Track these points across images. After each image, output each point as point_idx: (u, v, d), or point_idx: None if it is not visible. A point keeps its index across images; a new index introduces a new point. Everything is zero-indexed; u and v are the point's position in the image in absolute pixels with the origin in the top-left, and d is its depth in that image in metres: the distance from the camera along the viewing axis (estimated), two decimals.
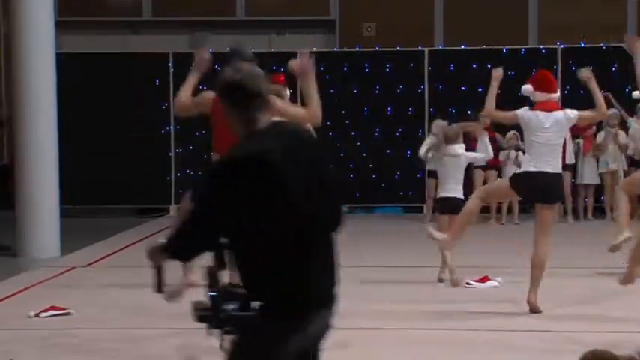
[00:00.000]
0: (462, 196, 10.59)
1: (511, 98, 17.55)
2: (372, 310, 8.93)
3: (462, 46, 18.20)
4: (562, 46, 17.82)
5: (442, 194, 10.80)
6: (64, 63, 18.61)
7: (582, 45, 17.85)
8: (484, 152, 11.06)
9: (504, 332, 8.05)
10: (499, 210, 16.58)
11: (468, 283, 10.29)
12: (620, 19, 19.41)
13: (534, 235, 8.79)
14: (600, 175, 16.74)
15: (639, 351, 2.71)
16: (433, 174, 16.67)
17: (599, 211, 16.93)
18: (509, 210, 16.53)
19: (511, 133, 16.36)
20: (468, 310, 8.94)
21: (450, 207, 10.45)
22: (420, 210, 18.04)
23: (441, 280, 10.51)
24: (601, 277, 10.60)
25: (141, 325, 8.28)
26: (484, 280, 10.38)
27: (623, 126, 16.53)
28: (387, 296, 9.70)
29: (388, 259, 12.29)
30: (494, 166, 15.92)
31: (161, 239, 4.12)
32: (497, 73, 9.15)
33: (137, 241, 14.38)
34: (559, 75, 17.57)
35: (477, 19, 19.48)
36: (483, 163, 13.63)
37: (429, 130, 17.18)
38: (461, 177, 10.79)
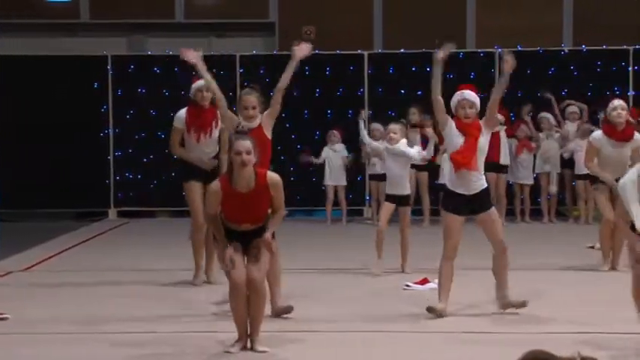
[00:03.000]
0: (409, 192, 11.21)
1: (450, 101, 17.77)
2: (314, 313, 8.92)
3: (402, 50, 18.30)
4: (500, 50, 17.99)
5: (390, 191, 11.19)
6: (0, 65, 18.44)
7: (519, 49, 18.02)
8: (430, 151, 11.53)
9: (449, 334, 8.09)
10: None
11: (407, 286, 10.33)
12: (556, 23, 19.65)
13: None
14: (537, 176, 16.93)
15: (579, 352, 2.75)
16: (374, 177, 16.79)
17: (537, 213, 17.10)
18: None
19: None
20: (418, 312, 8.97)
21: (399, 202, 11.11)
22: (360, 213, 18.10)
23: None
24: (540, 277, 10.75)
25: (79, 330, 8.21)
26: (423, 282, 10.42)
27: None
28: (327, 298, 9.70)
29: (326, 261, 12.29)
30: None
31: None
32: (441, 55, 9.01)
33: (75, 245, 14.26)
34: (496, 78, 17.73)
35: (416, 22, 19.59)
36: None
37: (369, 133, 17.25)
38: (406, 173, 11.18)
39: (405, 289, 10.26)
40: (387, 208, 11.23)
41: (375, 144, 11.68)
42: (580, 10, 19.55)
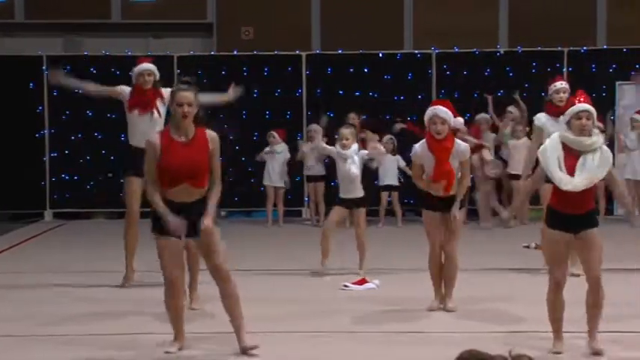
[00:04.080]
0: (362, 194, 11.25)
1: (389, 103, 17.90)
2: (253, 314, 8.93)
3: (340, 51, 18.35)
4: (436, 51, 18.13)
5: (344, 195, 11.24)
6: None
7: (456, 50, 18.18)
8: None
9: (399, 334, 8.13)
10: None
11: (345, 286, 10.37)
12: (492, 25, 19.83)
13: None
14: (474, 178, 17.06)
15: (510, 350, 2.79)
16: (311, 178, 16.83)
17: (473, 213, 17.23)
18: (393, 213, 16.69)
19: (387, 138, 16.55)
20: (358, 312, 9.00)
21: (353, 205, 11.19)
22: (299, 214, 18.11)
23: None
24: (496, 276, 10.87)
25: (15, 332, 8.12)
26: (362, 282, 10.46)
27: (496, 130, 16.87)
28: (269, 299, 9.70)
29: (266, 262, 12.29)
30: None
31: None
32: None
33: (11, 247, 14.09)
34: (434, 79, 17.87)
35: (354, 23, 19.65)
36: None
37: (307, 134, 17.29)
38: (359, 177, 11.20)
39: (342, 289, 10.29)
40: (339, 211, 11.24)
41: (329, 148, 11.62)
42: (515, 12, 19.76)
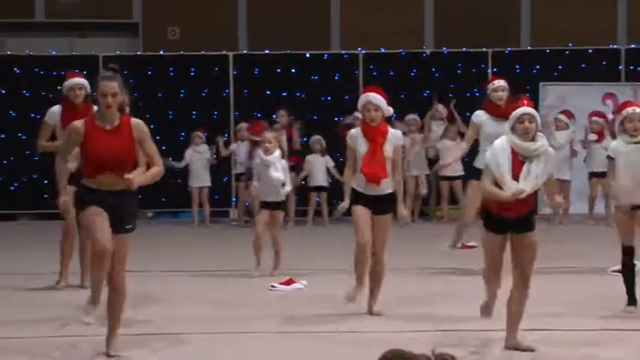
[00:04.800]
0: (283, 198, 11.26)
1: (316, 103, 17.94)
2: (181, 315, 8.88)
3: (267, 51, 18.34)
4: (363, 52, 18.20)
5: (265, 199, 11.20)
6: None
7: (382, 51, 18.27)
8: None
9: (327, 334, 8.14)
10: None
11: (272, 286, 10.36)
12: (418, 26, 19.97)
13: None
14: (405, 178, 17.14)
15: (433, 349, 2.81)
16: (240, 177, 16.77)
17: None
18: (319, 213, 16.72)
19: (314, 138, 16.60)
20: (286, 312, 8.99)
21: (273, 208, 11.11)
22: (226, 214, 18.06)
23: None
24: (423, 276, 10.94)
25: None
26: (289, 282, 10.47)
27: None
28: (196, 300, 9.67)
29: (193, 263, 12.24)
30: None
31: None
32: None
33: None
34: (360, 80, 17.94)
35: (281, 23, 19.65)
36: None
37: (235, 135, 17.25)
38: (280, 181, 11.13)
39: (270, 289, 10.29)
40: (263, 217, 11.16)
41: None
42: (441, 13, 19.92)
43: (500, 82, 10.70)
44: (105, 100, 7.04)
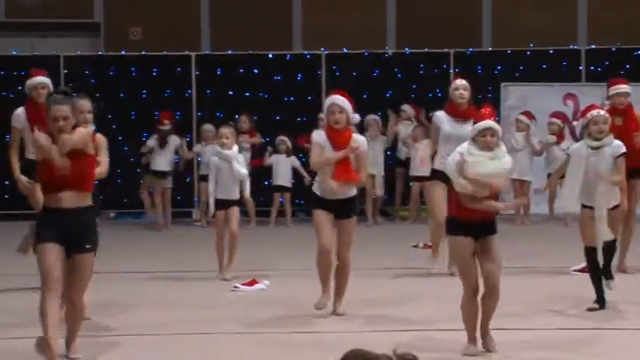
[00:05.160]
0: (238, 196, 11.11)
1: (279, 103, 17.93)
2: (136, 318, 8.86)
3: (229, 51, 18.31)
4: (326, 52, 18.22)
5: (221, 196, 11.06)
6: None
7: (345, 51, 18.30)
8: None
9: (290, 334, 8.14)
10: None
11: (235, 287, 10.36)
12: (380, 27, 20.02)
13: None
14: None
15: (395, 349, 2.83)
16: (204, 178, 16.72)
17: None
18: (283, 213, 16.72)
19: (279, 139, 16.59)
20: (252, 313, 8.99)
21: (228, 206, 10.97)
22: (189, 214, 18.01)
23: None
24: (386, 276, 10.96)
25: None
26: (252, 283, 10.46)
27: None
28: (158, 302, 9.64)
29: (155, 264, 12.20)
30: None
31: None
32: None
33: None
34: (323, 80, 17.96)
35: (244, 24, 19.63)
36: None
37: (198, 135, 17.20)
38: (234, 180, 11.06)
39: (233, 290, 10.29)
40: (220, 217, 11.04)
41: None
42: (403, 14, 19.97)
43: (462, 82, 10.64)
44: (57, 125, 6.91)
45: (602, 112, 8.80)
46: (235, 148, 11.17)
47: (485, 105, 7.61)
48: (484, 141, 7.16)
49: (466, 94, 10.46)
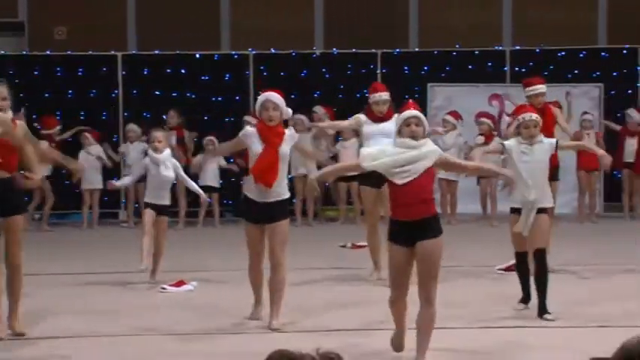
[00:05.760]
0: (169, 202, 10.95)
1: (206, 103, 17.87)
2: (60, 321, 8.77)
3: (156, 51, 18.20)
4: (253, 52, 18.20)
5: (150, 200, 10.87)
6: None
7: (273, 51, 18.30)
8: None
9: (215, 335, 8.13)
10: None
11: (163, 288, 10.31)
12: (308, 27, 20.04)
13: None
14: (291, 179, 17.17)
15: (318, 348, 2.84)
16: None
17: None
18: (210, 214, 16.67)
19: (207, 139, 16.54)
20: (175, 314, 8.94)
21: (158, 211, 10.75)
22: (116, 215, 17.87)
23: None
24: (314, 276, 10.95)
25: None
26: (179, 284, 10.42)
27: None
28: (85, 302, 9.57)
29: (81, 265, 12.09)
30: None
31: None
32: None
33: None
34: (251, 80, 17.94)
35: (171, 23, 19.52)
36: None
37: (124, 135, 17.08)
38: (169, 184, 10.93)
39: (160, 291, 10.24)
40: (150, 215, 10.72)
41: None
42: (330, 14, 20.02)
43: (382, 97, 10.56)
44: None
45: (534, 117, 8.78)
46: (167, 152, 10.99)
47: (410, 101, 7.57)
48: (409, 130, 6.93)
49: (385, 108, 10.51)
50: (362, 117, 10.64)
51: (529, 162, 8.68)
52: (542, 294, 8.60)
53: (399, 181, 6.87)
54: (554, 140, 9.08)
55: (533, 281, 8.72)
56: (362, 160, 7.09)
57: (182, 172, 11.11)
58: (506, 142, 9.00)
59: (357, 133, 11.27)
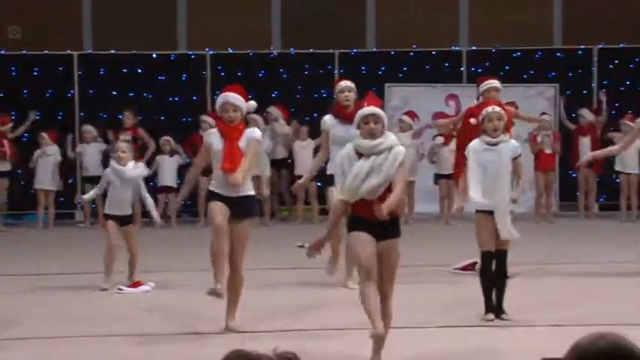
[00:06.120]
0: (130, 212, 10.62)
1: (163, 103, 17.80)
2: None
3: (112, 51, 18.09)
4: (210, 52, 18.16)
5: (111, 212, 10.57)
6: None
7: (230, 51, 18.26)
8: None
9: (172, 336, 8.09)
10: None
11: (119, 289, 10.25)
12: (266, 27, 20.00)
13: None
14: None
15: (275, 348, 2.84)
16: (85, 179, 16.51)
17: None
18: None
19: (163, 139, 16.49)
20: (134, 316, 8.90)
21: (121, 222, 10.52)
22: (71, 216, 17.76)
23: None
24: (272, 275, 10.91)
25: None
26: (136, 285, 10.37)
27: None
28: (31, 304, 9.50)
29: (38, 266, 12.00)
30: None
31: None
32: None
33: None
34: (208, 80, 17.90)
35: (127, 23, 19.41)
36: None
37: (80, 136, 16.98)
38: (130, 195, 10.59)
39: (117, 292, 10.19)
40: (112, 226, 10.47)
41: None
42: (288, 14, 20.01)
43: (347, 83, 10.41)
44: None
45: (497, 109, 8.60)
46: (131, 164, 10.61)
47: (369, 95, 7.47)
48: (368, 128, 6.86)
49: (351, 95, 10.30)
50: (327, 119, 10.27)
51: (495, 162, 8.48)
52: (501, 294, 8.61)
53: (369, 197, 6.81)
54: (518, 145, 8.88)
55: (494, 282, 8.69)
56: (338, 196, 6.93)
57: (143, 188, 10.71)
58: (469, 146, 8.72)
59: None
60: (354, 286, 8.66)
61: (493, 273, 8.58)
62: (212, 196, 8.33)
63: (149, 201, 10.85)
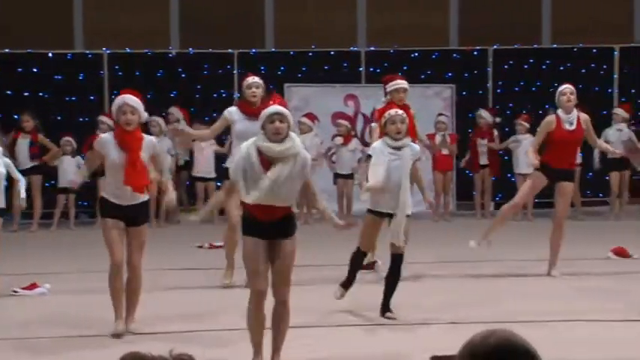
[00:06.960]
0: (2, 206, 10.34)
1: (60, 103, 17.53)
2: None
3: (7, 50, 17.77)
4: (108, 52, 17.96)
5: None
6: None
7: (128, 50, 18.09)
8: None
9: (74, 338, 7.99)
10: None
11: (14, 291, 10.08)
12: (163, 26, 19.87)
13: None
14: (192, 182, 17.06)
15: (171, 350, 2.83)
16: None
17: None
18: (66, 215, 16.38)
19: (65, 140, 16.26)
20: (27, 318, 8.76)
21: None
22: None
23: None
24: (170, 276, 10.83)
25: None
26: (32, 287, 10.21)
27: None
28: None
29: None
30: None
31: None
32: None
33: None
34: (106, 80, 17.70)
35: (21, 22, 19.11)
36: None
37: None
38: None
39: (12, 294, 10.01)
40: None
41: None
42: (186, 13, 19.91)
43: (255, 79, 10.35)
44: None
45: (400, 112, 8.69)
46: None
47: (275, 94, 7.48)
48: (273, 127, 6.68)
49: (259, 91, 10.24)
50: (233, 111, 10.19)
51: (399, 168, 8.54)
52: (390, 294, 8.71)
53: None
54: (418, 148, 8.99)
55: (385, 281, 8.77)
56: (245, 198, 6.77)
57: (15, 170, 10.49)
58: (372, 146, 8.81)
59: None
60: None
61: (362, 263, 9.12)
62: (106, 205, 8.18)
63: (21, 184, 10.59)
